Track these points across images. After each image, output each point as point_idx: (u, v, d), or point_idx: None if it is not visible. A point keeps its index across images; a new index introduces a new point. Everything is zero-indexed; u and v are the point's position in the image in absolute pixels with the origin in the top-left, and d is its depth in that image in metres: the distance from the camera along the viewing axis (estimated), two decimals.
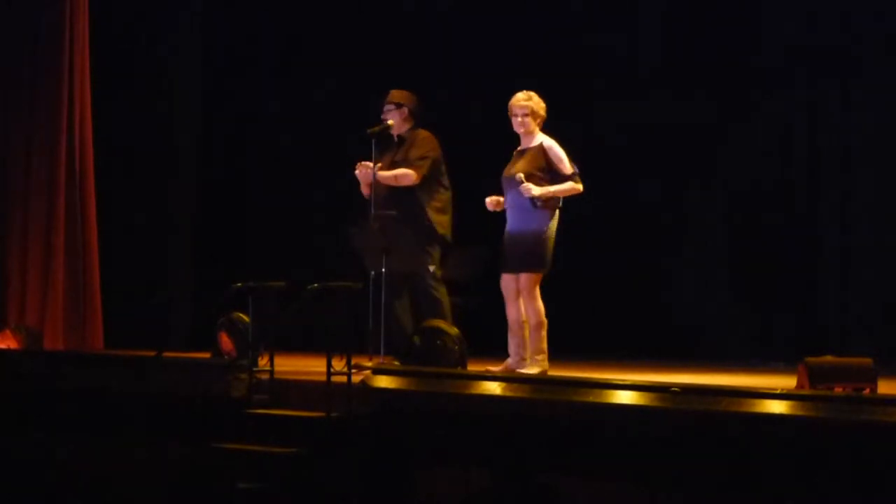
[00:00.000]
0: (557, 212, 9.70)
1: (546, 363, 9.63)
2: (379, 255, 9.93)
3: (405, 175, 10.19)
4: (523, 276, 9.65)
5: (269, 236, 13.25)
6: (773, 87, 12.47)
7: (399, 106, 10.38)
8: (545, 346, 9.63)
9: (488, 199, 9.84)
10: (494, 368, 9.70)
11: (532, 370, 9.53)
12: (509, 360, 9.72)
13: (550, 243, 9.66)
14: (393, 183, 10.18)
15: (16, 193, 12.35)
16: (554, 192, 9.65)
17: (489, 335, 10.96)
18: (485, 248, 10.62)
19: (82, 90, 12.43)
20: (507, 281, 9.74)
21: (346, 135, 11.65)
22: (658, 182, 12.76)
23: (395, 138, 10.43)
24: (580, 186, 9.70)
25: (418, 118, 10.44)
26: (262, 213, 13.48)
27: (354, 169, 10.31)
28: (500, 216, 9.92)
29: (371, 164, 10.17)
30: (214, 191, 13.46)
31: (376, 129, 10.29)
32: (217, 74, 13.54)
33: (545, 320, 9.63)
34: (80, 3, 12.42)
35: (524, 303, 9.66)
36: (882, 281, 12.03)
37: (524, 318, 9.66)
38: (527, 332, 9.65)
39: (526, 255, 9.63)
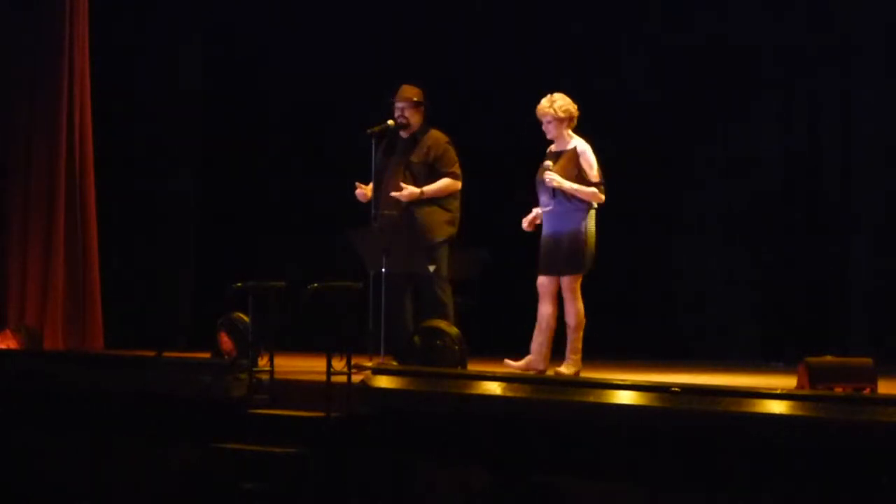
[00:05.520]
0: (593, 213, 9.72)
1: (580, 363, 9.71)
2: (379, 255, 9.92)
3: (452, 185, 10.13)
4: (565, 279, 9.68)
5: (269, 236, 13.24)
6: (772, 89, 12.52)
7: (417, 105, 10.21)
8: (580, 346, 9.71)
9: (525, 221, 9.84)
10: (513, 363, 9.74)
11: (568, 370, 9.63)
12: (531, 357, 9.78)
13: (589, 244, 9.69)
14: (441, 195, 10.10)
15: (16, 194, 12.34)
16: (575, 189, 9.64)
17: (489, 335, 10.97)
18: (484, 250, 10.61)
19: (82, 90, 12.41)
20: (544, 282, 9.77)
21: (347, 134, 11.63)
22: (657, 182, 12.76)
23: (405, 136, 10.25)
24: (602, 197, 9.72)
25: (429, 114, 10.32)
26: (263, 213, 13.47)
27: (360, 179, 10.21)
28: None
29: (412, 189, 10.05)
30: (214, 191, 13.45)
31: (377, 128, 10.20)
32: (217, 74, 13.53)
33: (584, 322, 9.68)
34: (80, 4, 12.41)
35: (566, 303, 9.70)
36: (882, 281, 12.03)
37: (555, 320, 9.71)
38: (548, 334, 9.73)
39: (565, 258, 9.67)
